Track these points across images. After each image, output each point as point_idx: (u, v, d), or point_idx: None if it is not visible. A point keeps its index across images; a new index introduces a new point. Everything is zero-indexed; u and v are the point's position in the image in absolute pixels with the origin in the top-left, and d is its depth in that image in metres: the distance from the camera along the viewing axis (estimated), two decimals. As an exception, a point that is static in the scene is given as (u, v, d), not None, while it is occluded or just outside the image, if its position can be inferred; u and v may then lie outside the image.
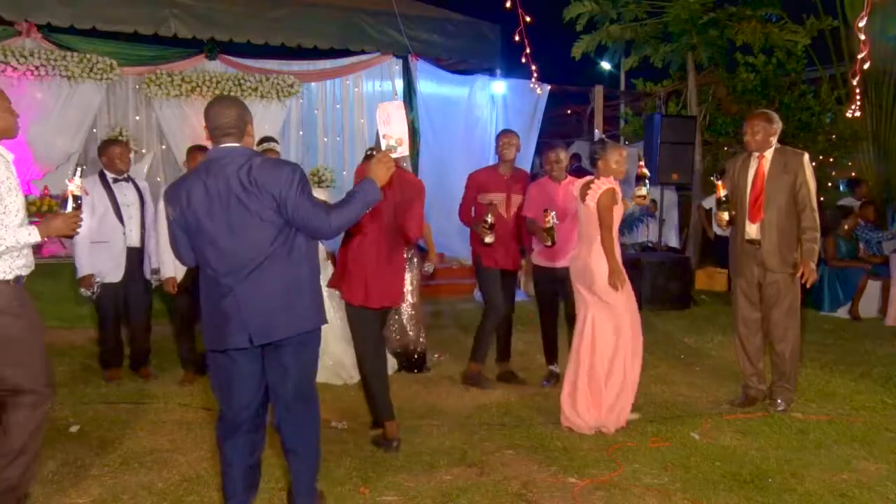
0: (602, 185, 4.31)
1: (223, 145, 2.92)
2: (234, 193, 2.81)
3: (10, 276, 3.00)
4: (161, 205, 4.47)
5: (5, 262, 2.98)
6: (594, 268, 4.29)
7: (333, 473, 3.65)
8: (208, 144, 3.07)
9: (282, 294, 2.86)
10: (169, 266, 5.11)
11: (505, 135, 5.39)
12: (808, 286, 4.55)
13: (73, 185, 3.19)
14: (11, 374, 3.01)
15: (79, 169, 3.29)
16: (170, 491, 3.49)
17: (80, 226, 3.18)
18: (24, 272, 3.11)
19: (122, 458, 3.87)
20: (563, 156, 5.25)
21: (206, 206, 2.84)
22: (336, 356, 5.29)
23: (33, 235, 3.01)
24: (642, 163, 4.73)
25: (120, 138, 7.61)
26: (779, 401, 4.69)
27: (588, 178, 4.49)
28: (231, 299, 2.85)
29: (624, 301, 4.32)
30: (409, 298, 5.64)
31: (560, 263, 5.19)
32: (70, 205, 3.14)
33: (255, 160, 2.86)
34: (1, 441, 3.04)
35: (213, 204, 2.83)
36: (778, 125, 4.65)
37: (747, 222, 4.70)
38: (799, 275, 4.54)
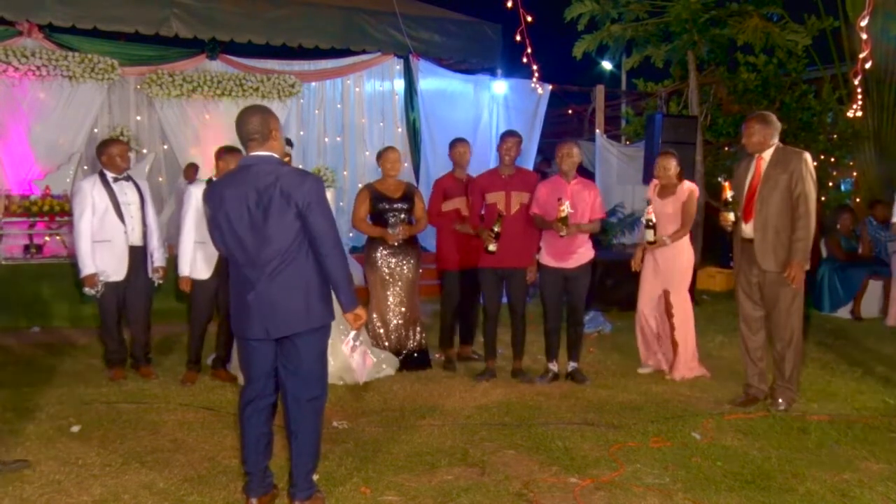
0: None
1: (253, 153, 3.18)
2: (261, 200, 3.08)
3: None
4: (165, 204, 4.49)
5: None
6: (682, 251, 5.60)
7: (334, 473, 3.65)
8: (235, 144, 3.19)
9: (296, 293, 3.13)
10: (185, 265, 5.18)
11: (509, 137, 5.42)
12: (792, 285, 4.54)
13: None
14: None
15: None
16: (171, 491, 3.49)
17: None
18: None
19: (124, 458, 3.87)
20: (576, 151, 5.28)
21: (237, 208, 3.12)
22: (343, 360, 5.35)
23: None
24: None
25: (121, 137, 7.62)
26: (780, 400, 4.68)
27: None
28: (252, 295, 3.14)
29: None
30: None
31: (569, 263, 5.20)
32: None
33: (282, 170, 3.15)
34: None
35: (242, 207, 3.11)
36: (775, 126, 4.63)
37: (742, 222, 4.71)
38: (785, 274, 4.53)
